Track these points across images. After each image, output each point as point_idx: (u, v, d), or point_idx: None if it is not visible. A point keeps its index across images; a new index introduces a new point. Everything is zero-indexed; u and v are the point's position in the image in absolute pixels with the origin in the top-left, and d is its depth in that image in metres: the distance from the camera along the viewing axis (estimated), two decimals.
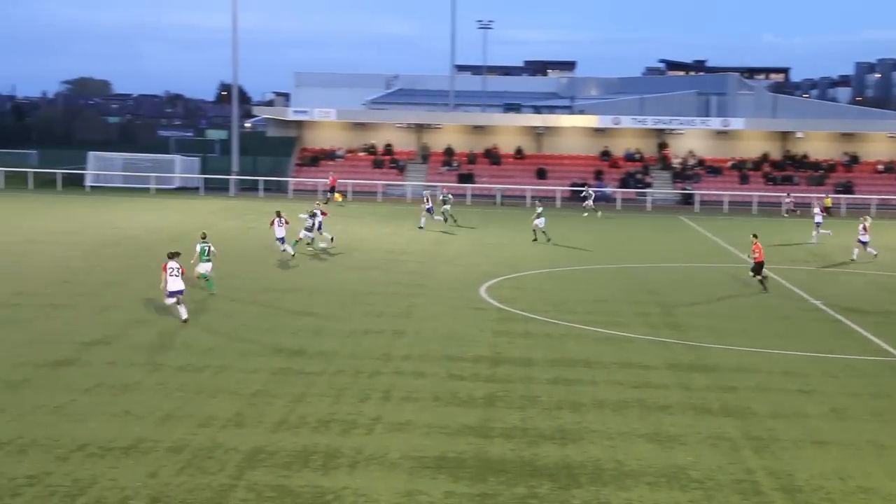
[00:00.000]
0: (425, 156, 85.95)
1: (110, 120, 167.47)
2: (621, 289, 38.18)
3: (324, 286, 36.44)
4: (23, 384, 22.52)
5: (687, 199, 79.00)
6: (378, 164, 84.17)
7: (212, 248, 34.54)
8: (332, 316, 31.16)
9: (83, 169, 79.87)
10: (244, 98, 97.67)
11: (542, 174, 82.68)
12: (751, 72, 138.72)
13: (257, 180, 77.72)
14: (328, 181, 73.54)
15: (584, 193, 69.17)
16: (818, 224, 54.59)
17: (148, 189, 76.07)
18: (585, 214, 66.54)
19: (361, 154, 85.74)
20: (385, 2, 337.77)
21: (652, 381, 24.27)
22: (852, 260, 46.27)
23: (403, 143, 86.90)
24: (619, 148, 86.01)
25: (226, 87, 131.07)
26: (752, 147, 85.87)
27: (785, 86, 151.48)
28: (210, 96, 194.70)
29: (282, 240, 43.58)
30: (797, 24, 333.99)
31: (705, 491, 17.13)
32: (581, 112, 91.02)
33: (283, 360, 25.32)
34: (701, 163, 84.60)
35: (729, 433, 20.35)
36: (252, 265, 41.22)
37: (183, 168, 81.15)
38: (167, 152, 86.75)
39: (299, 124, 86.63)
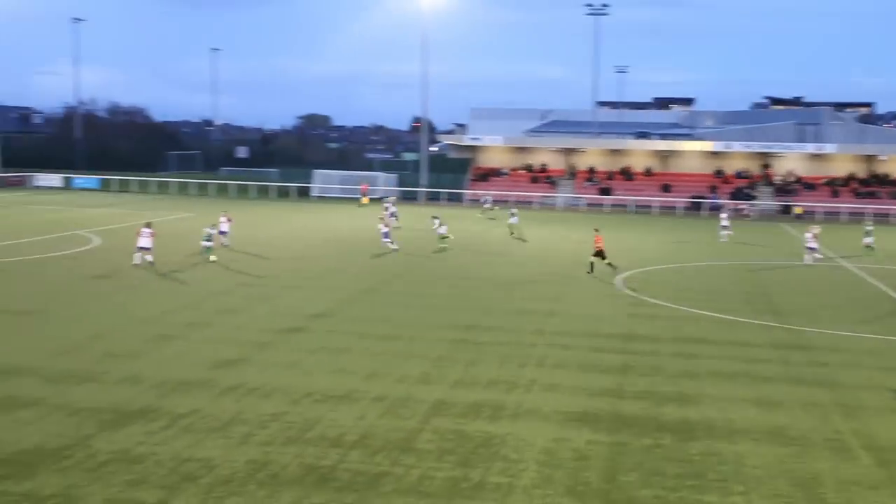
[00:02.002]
0: (572, 173, 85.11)
1: (331, 146, 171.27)
2: (731, 282, 37.02)
3: (492, 275, 36.49)
4: (267, 345, 23.27)
5: (786, 210, 76.13)
6: (534, 180, 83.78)
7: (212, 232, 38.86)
8: (499, 298, 31.18)
9: (310, 183, 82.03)
10: (431, 128, 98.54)
11: (666, 188, 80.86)
12: (841, 105, 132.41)
13: (440, 192, 78.42)
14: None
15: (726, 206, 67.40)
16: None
17: (358, 198, 77.66)
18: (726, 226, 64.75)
19: (521, 172, 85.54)
20: (540, 52, 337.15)
21: (757, 356, 23.46)
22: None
23: (555, 163, 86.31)
24: (730, 168, 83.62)
25: (417, 119, 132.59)
26: (842, 167, 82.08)
27: (870, 117, 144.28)
28: (405, 127, 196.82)
29: (386, 234, 43.58)
30: (881, 64, 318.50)
31: (801, 447, 16.48)
32: (699, 139, 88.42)
33: (461, 332, 25.46)
34: (798, 180, 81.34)
35: (821, 400, 19.52)
36: (435, 258, 41.58)
37: (384, 183, 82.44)
38: (372, 170, 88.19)
39: (473, 148, 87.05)
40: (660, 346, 24.45)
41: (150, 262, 35.70)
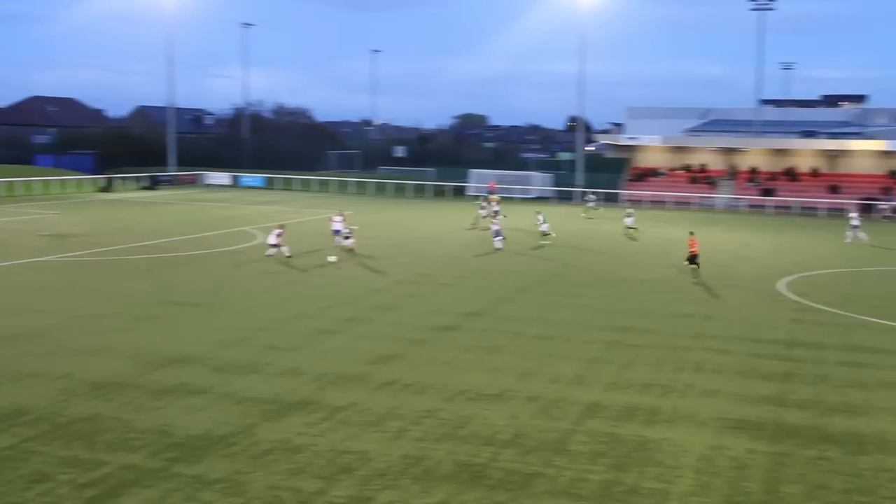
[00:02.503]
0: (733, 174, 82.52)
1: (486, 145, 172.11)
2: None
3: (649, 278, 35.80)
4: (422, 342, 23.61)
5: None
6: (693, 181, 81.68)
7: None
8: (655, 301, 30.57)
9: (466, 182, 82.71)
10: (587, 127, 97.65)
11: (834, 189, 77.26)
12: None
13: (596, 192, 77.58)
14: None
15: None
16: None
17: (513, 198, 77.83)
18: None
19: (679, 172, 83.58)
20: (701, 49, 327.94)
21: None
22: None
23: (714, 163, 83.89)
24: None
25: (573, 119, 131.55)
26: None
27: None
28: (561, 126, 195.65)
29: (497, 232, 43.50)
30: None
31: None
32: (871, 137, 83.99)
33: (615, 334, 25.11)
34: None
35: None
36: (591, 257, 41.16)
37: (539, 182, 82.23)
38: (527, 170, 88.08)
39: (630, 148, 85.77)
40: (826, 353, 23.38)
41: (288, 256, 37.47)
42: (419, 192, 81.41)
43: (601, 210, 65.16)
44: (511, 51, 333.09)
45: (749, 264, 40.70)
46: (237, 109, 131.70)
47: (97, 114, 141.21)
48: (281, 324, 25.37)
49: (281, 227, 38.89)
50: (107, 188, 77.17)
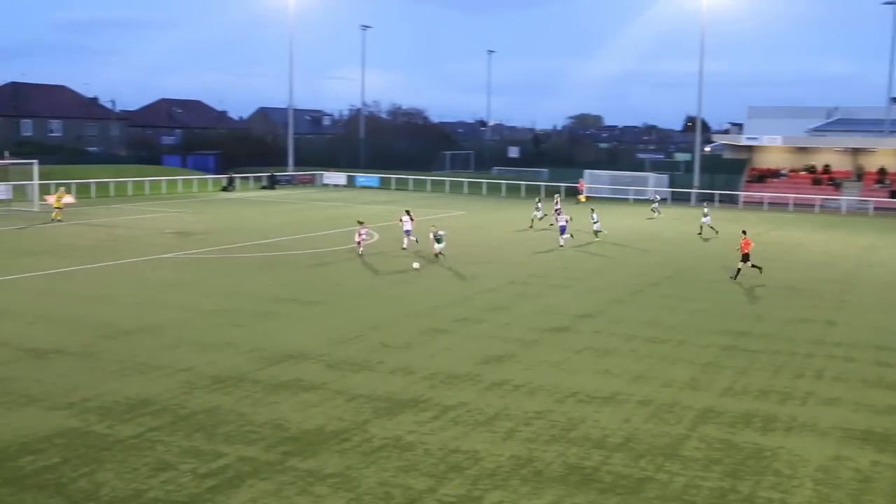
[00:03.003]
0: (859, 175, 79.31)
1: (601, 146, 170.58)
2: None
3: (765, 280, 34.77)
4: (533, 343, 23.54)
5: None
6: (817, 182, 78.90)
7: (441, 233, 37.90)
8: (773, 305, 29.69)
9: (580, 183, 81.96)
10: (705, 127, 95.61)
11: None
12: None
13: (713, 193, 75.85)
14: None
15: None
16: None
17: (627, 199, 76.78)
18: None
19: (802, 173, 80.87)
20: (826, 46, 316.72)
21: None
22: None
23: (840, 164, 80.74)
24: None
25: (691, 119, 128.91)
26: None
27: None
28: (677, 126, 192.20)
29: (563, 228, 44.07)
30: None
31: None
32: None
33: (731, 338, 24.49)
34: None
35: None
36: (706, 261, 40.27)
37: (655, 183, 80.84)
38: (643, 171, 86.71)
39: (750, 149, 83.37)
40: None
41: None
42: (532, 192, 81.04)
43: (659, 214, 62.43)
44: (628, 51, 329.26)
45: (876, 269, 39.12)
46: (354, 110, 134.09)
47: (221, 115, 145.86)
48: (393, 322, 25.68)
49: (361, 223, 40.12)
50: (228, 187, 79.58)
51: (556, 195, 59.46)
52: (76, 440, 15.55)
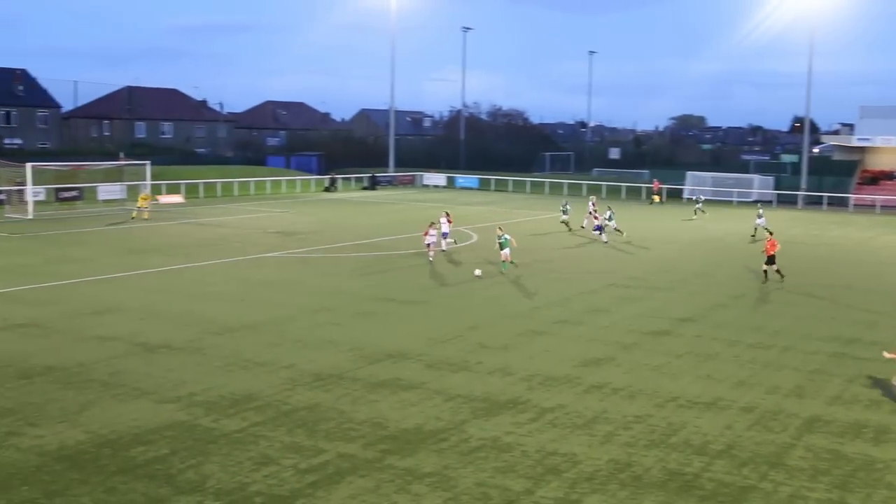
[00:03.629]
0: None
1: (704, 147, 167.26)
2: None
3: (879, 286, 33.55)
4: (633, 346, 23.23)
5: None
6: None
7: (509, 238, 34.83)
8: (886, 312, 28.61)
9: (682, 185, 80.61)
10: (814, 128, 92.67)
11: None
12: None
13: (822, 196, 73.56)
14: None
15: None
16: None
17: (731, 201, 75.08)
18: None
19: None
20: None
21: None
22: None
23: None
24: None
25: (798, 119, 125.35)
26: None
27: None
28: (784, 127, 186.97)
29: (599, 228, 44.96)
30: None
31: None
32: None
33: (840, 345, 23.70)
34: None
35: None
36: (816, 263, 39.06)
37: (759, 185, 78.80)
38: (747, 172, 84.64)
39: (862, 150, 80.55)
40: None
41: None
42: (633, 194, 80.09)
43: (700, 214, 60.24)
44: (732, 51, 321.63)
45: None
46: (454, 111, 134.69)
47: (324, 117, 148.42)
48: (492, 323, 25.68)
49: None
50: (330, 188, 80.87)
51: (592, 196, 57.83)
52: (184, 433, 16.03)
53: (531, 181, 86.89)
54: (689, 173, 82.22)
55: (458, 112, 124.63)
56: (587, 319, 26.49)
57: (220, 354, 21.58)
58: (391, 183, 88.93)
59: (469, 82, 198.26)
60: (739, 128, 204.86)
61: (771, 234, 35.60)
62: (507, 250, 34.55)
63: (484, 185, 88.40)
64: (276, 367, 20.45)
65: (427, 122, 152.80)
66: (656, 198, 71.78)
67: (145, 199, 53.72)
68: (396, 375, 19.95)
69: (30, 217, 52.07)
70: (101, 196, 60.84)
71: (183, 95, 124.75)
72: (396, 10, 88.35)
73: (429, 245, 37.38)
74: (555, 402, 18.16)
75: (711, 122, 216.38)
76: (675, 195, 78.25)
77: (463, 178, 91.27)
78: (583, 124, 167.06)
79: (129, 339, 22.92)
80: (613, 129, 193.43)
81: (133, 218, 51.96)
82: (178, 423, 16.56)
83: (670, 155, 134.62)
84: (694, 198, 64.69)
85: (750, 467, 14.86)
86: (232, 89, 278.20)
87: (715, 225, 56.52)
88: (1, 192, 57.29)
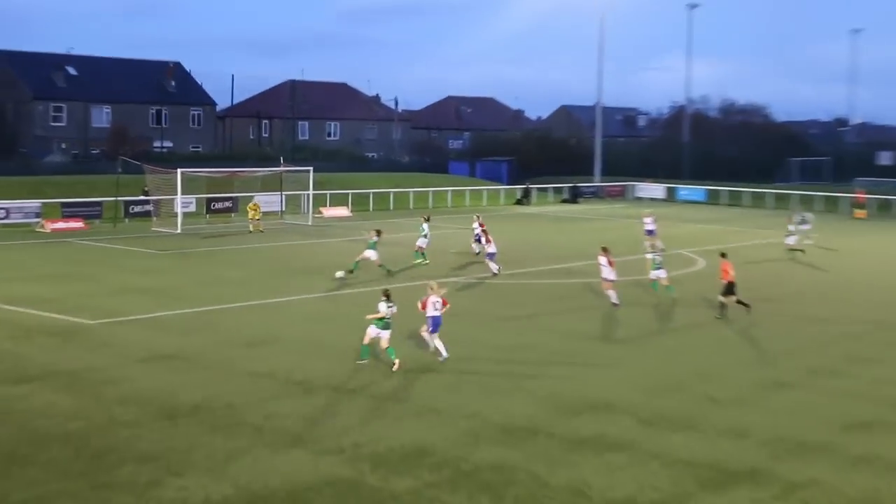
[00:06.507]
0: None
1: None
2: None
3: None
4: None
5: None
6: None
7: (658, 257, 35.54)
8: None
9: None
10: None
11: None
12: None
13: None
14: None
15: None
16: None
17: None
18: None
19: None
20: None
21: None
22: None
23: None
24: None
25: None
26: None
27: None
28: None
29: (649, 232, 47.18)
30: None
31: None
32: None
33: None
34: None
35: None
36: None
37: None
38: None
39: None
40: None
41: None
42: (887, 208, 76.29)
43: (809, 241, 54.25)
44: None
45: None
46: (676, 108, 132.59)
47: (516, 115, 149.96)
48: (722, 370, 24.99)
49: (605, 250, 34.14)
50: (523, 200, 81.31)
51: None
52: (347, 491, 16.26)
53: (774, 193, 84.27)
54: None
55: (682, 109, 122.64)
56: (849, 369, 25.47)
57: (389, 397, 21.87)
58: (596, 195, 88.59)
59: (695, 72, 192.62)
60: None
61: (723, 255, 32.68)
62: (661, 271, 35.06)
63: (712, 198, 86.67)
64: (455, 416, 20.52)
65: (642, 122, 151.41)
66: (859, 213, 68.73)
67: (255, 209, 55.99)
68: (602, 431, 19.62)
69: (178, 231, 54.92)
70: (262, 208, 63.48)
71: (353, 90, 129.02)
72: None
73: (607, 280, 33.84)
74: (807, 476, 17.35)
75: None
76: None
77: (686, 190, 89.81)
78: (842, 122, 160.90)
79: (285, 376, 23.61)
80: (884, 128, 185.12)
81: (251, 232, 54.04)
82: (340, 479, 16.83)
83: None
84: (795, 219, 51.09)
85: None
86: (408, 83, 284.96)
87: None
88: (149, 202, 60.64)
